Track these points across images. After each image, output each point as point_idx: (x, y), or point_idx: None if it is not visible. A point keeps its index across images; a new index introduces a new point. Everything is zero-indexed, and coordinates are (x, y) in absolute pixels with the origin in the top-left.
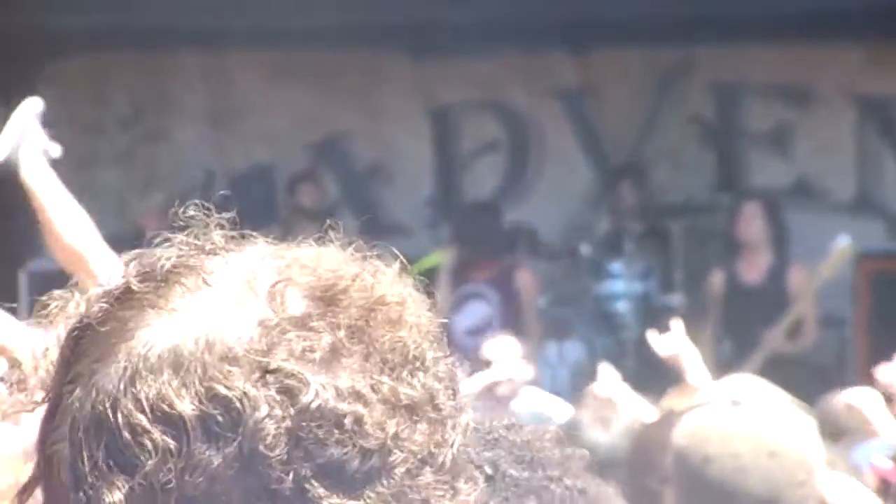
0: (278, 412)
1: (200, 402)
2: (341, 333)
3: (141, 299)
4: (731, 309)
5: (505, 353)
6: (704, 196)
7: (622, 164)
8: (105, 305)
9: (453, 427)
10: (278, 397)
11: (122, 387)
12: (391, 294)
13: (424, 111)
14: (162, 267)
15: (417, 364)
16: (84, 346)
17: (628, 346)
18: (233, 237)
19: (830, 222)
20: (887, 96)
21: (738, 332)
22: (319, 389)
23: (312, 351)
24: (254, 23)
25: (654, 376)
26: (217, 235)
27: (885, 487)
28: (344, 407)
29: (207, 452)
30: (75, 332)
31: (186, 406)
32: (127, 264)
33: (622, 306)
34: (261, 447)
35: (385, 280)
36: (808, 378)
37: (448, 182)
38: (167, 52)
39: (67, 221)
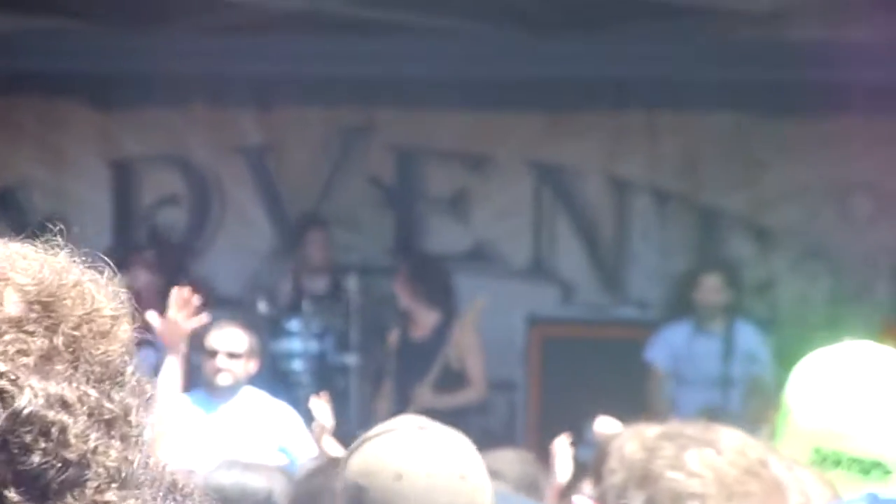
0: None
1: None
2: (57, 339)
3: None
4: (402, 366)
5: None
6: (382, 258)
7: (301, 222)
8: None
9: (137, 444)
10: None
11: None
12: (107, 307)
13: (106, 162)
14: None
15: (119, 378)
16: None
17: (302, 404)
18: None
19: (505, 287)
20: (564, 164)
21: (407, 389)
22: (31, 396)
23: (27, 354)
24: None
25: None
26: None
27: None
28: (52, 415)
29: None
30: None
31: None
32: None
33: (298, 364)
34: None
35: (103, 292)
36: (475, 440)
37: (126, 235)
38: None
39: None
